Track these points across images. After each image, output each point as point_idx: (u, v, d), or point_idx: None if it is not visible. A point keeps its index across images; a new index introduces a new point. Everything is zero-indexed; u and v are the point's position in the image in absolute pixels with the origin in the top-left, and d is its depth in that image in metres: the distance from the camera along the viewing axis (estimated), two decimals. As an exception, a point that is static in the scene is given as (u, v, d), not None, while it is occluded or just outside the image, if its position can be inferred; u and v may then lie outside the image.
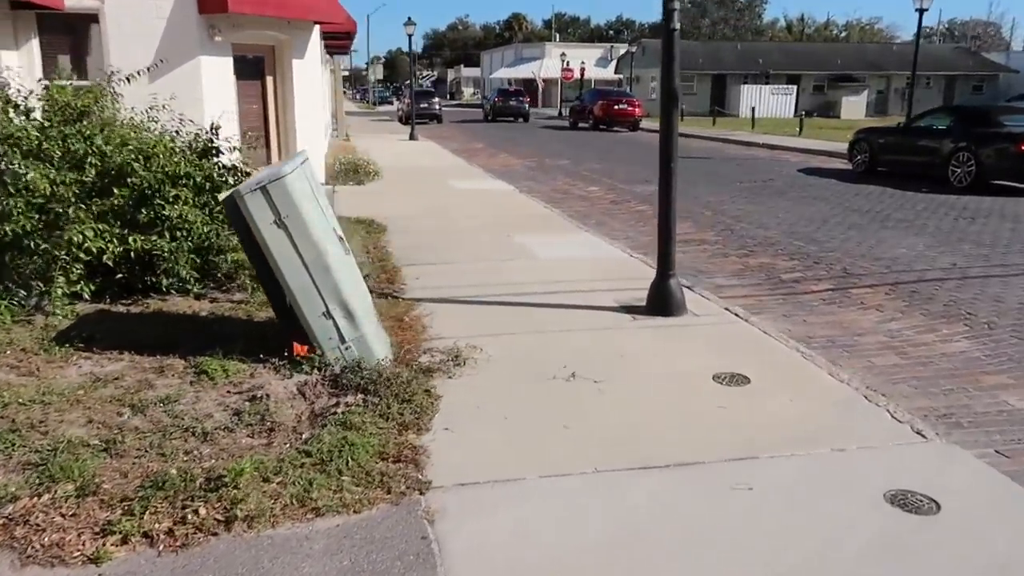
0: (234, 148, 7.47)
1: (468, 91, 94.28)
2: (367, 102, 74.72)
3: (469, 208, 11.63)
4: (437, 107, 40.32)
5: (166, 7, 11.15)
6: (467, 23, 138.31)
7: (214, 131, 6.93)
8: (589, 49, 70.71)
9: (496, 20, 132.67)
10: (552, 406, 4.49)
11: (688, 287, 7.12)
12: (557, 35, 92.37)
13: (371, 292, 6.67)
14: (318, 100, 14.07)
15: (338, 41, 18.41)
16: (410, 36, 26.37)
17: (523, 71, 67.28)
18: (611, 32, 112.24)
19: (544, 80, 64.37)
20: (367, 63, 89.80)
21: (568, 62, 49.94)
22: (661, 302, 6.24)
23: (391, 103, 78.26)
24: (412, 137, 26.46)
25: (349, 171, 14.33)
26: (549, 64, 63.83)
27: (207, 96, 11.59)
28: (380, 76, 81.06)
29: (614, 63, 59.84)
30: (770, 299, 7.24)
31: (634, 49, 44.04)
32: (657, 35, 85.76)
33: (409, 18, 25.53)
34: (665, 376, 4.97)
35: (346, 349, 4.64)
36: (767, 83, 44.88)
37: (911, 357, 5.70)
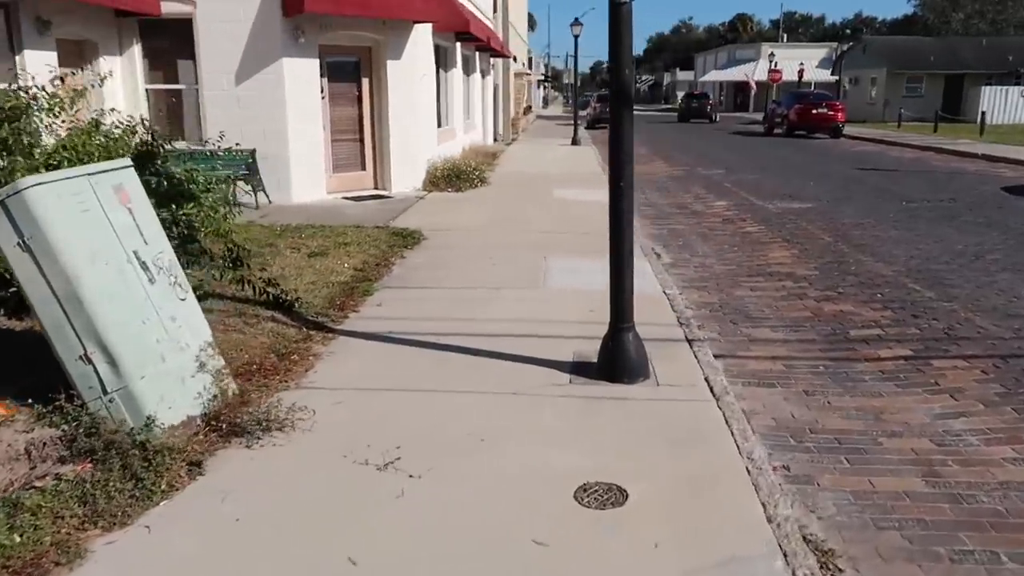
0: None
1: (681, 95, 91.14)
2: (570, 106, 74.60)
3: (541, 223, 10.42)
4: (624, 111, 38.77)
5: (251, 10, 11.10)
6: (691, 25, 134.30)
7: (152, 136, 6.34)
8: (813, 49, 65.21)
9: (720, 21, 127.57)
10: (313, 513, 3.31)
11: (691, 340, 5.48)
12: (785, 35, 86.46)
13: (307, 318, 5.83)
14: (423, 103, 13.50)
15: (473, 41, 17.80)
16: (576, 37, 25.29)
17: (735, 73, 63.56)
18: (847, 31, 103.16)
19: (757, 83, 60.21)
20: (570, 67, 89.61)
21: (776, 63, 46.04)
22: (609, 364, 4.74)
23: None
24: (575, 142, 25.45)
25: (451, 177, 13.62)
26: (763, 66, 59.55)
27: (289, 98, 11.44)
28: (572, 80, 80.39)
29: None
30: (808, 365, 5.38)
31: (846, 47, 39.49)
32: (895, 31, 77.01)
33: (576, 19, 24.50)
34: (515, 478, 3.58)
35: (109, 402, 3.78)
36: (1016, 83, 38.26)
37: (945, 483, 3.77)
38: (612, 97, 4.57)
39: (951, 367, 5.28)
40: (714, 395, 4.52)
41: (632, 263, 4.77)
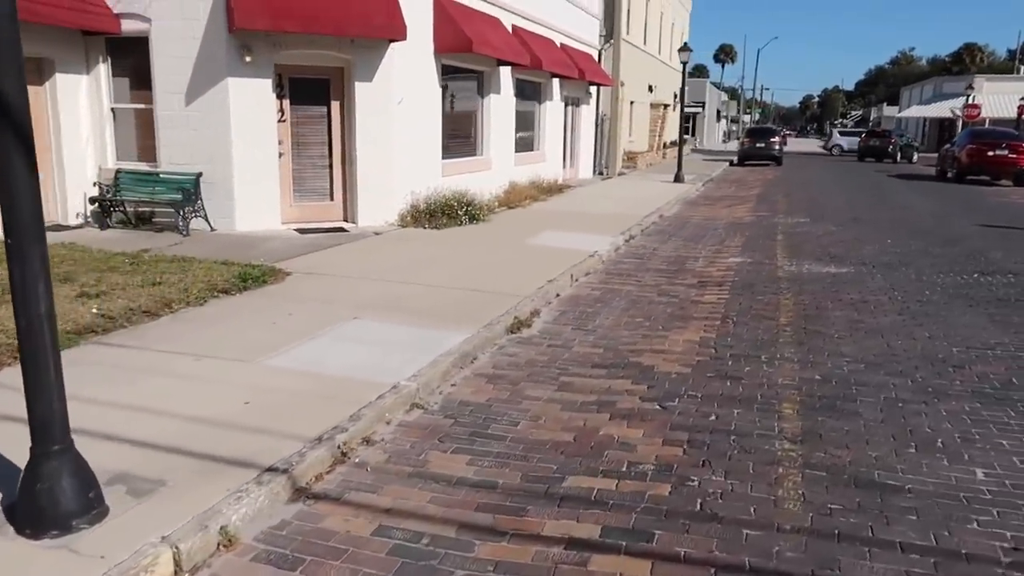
0: None
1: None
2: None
3: (452, 273, 8.80)
4: (776, 148, 35.33)
5: (200, 29, 10.59)
6: (911, 56, 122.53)
7: None
8: (1042, 82, 56.37)
9: (946, 52, 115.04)
10: None
11: (272, 468, 3.80)
12: (1022, 67, 76.05)
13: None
14: (407, 130, 12.23)
15: (521, 66, 16.22)
16: (684, 64, 22.93)
17: (939, 109, 56.36)
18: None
19: (963, 119, 52.90)
20: (773, 100, 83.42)
21: (973, 96, 39.88)
22: (23, 501, 3.23)
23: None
24: (677, 179, 23.10)
25: (435, 212, 12.30)
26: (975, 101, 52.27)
27: (235, 120, 10.79)
28: (732, 113, 72.56)
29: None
30: (387, 547, 3.50)
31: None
32: None
33: (685, 44, 22.23)
34: None
35: None
36: None
37: None
38: (-4, 115, 3.09)
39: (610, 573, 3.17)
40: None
41: (53, 357, 3.23)
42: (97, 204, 11.11)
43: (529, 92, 18.40)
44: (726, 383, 5.52)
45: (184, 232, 10.60)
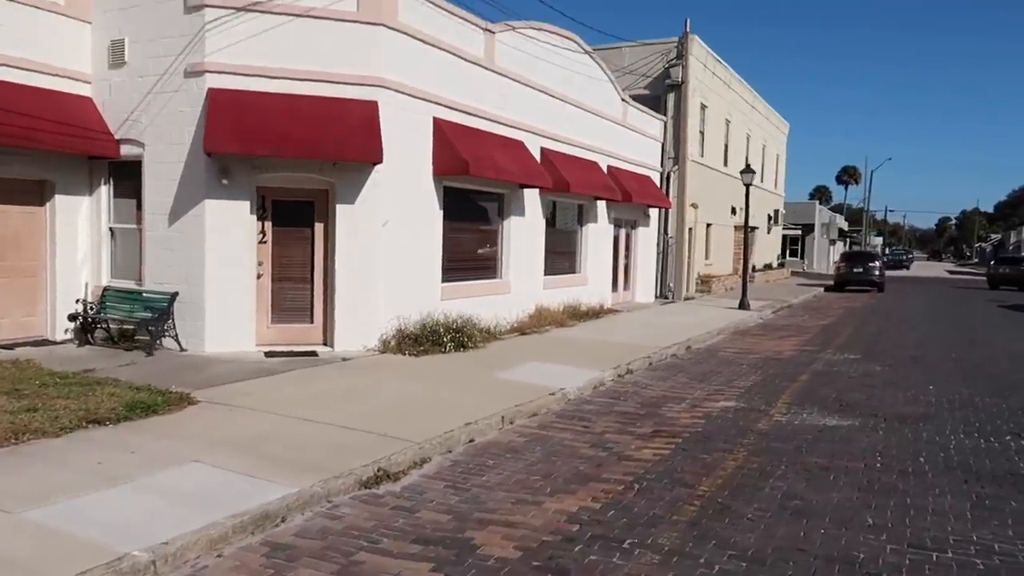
0: None
1: None
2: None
3: (370, 411, 8.08)
4: (876, 272, 32.88)
5: (184, 152, 10.88)
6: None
7: None
8: None
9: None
10: None
11: None
12: None
13: None
14: (392, 252, 11.73)
15: (549, 190, 15.72)
16: (747, 186, 21.74)
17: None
18: None
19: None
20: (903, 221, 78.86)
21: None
22: None
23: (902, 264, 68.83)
24: (742, 306, 21.55)
25: (422, 338, 11.69)
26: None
27: (209, 241, 10.83)
28: (834, 236, 65.62)
29: None
30: None
31: None
32: None
33: (748, 166, 21.08)
34: None
35: None
36: None
37: None
38: None
39: None
40: None
41: None
42: (79, 321, 11.25)
43: (567, 214, 17.90)
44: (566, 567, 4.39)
45: (148, 352, 10.47)
